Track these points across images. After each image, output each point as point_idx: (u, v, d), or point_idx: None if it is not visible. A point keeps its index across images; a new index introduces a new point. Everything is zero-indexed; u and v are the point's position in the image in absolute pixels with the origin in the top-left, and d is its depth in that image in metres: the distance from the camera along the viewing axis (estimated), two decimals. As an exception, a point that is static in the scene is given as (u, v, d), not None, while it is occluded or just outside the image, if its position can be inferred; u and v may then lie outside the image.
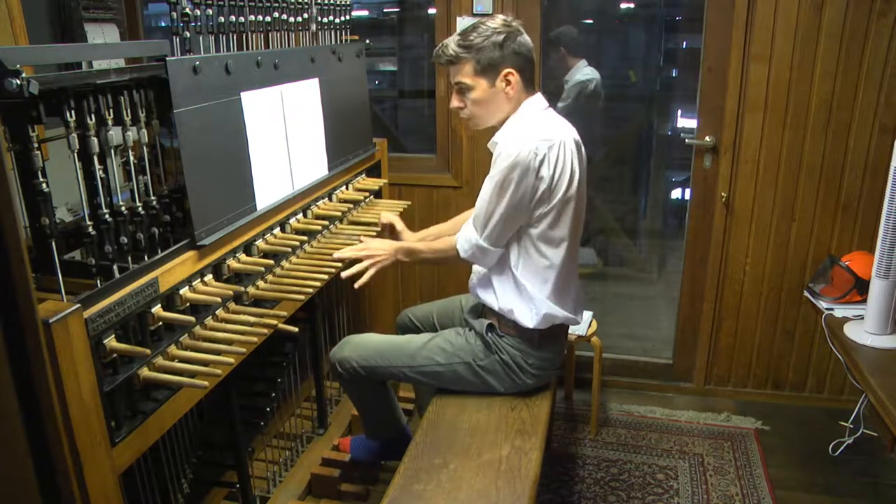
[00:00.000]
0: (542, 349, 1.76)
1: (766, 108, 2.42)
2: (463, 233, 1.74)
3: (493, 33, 1.61)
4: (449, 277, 2.91)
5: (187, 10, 1.38)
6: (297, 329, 1.47)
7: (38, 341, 0.94)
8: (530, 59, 1.68)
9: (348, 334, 2.41)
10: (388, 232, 2.00)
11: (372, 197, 2.22)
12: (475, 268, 1.85)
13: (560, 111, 1.81)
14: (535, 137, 1.60)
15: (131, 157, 1.27)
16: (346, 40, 2.13)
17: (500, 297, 1.75)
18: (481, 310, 1.86)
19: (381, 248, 1.78)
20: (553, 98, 3.01)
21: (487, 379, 1.77)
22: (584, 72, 3.08)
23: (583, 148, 1.73)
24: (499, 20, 1.65)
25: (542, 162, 1.58)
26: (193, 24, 1.41)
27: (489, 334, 1.77)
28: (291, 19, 1.82)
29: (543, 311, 1.70)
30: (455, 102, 1.72)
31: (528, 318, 1.71)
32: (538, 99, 1.71)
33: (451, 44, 1.65)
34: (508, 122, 1.71)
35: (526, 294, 1.71)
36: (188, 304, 1.33)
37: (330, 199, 1.99)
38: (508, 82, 1.65)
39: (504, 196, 1.61)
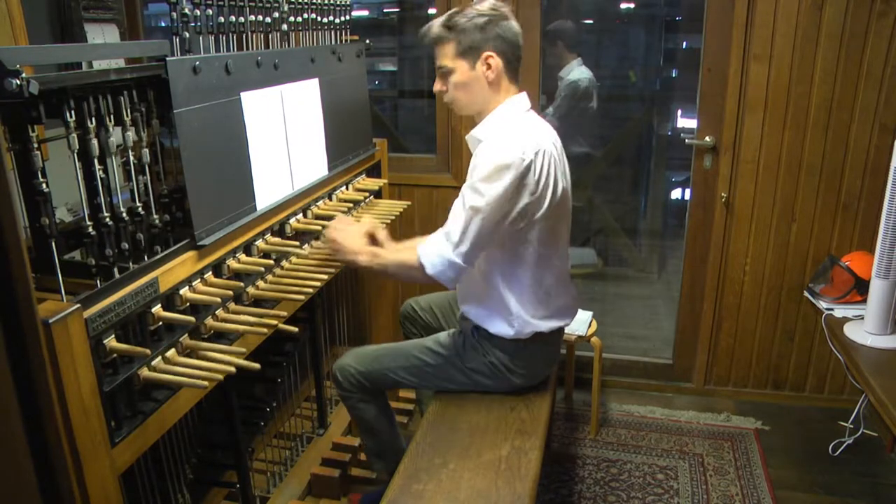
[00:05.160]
0: (529, 354, 1.74)
1: (766, 108, 2.42)
2: (431, 248, 1.58)
3: (478, 15, 1.58)
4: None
5: (186, 10, 1.38)
6: (297, 329, 1.47)
7: (38, 341, 0.94)
8: (516, 46, 1.63)
9: (348, 334, 2.42)
10: (369, 241, 1.86)
11: (372, 197, 2.22)
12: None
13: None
14: (521, 142, 1.55)
15: (131, 158, 1.27)
16: (346, 40, 2.13)
17: (480, 310, 1.73)
18: None
19: (349, 250, 1.68)
20: (552, 98, 3.01)
21: (477, 378, 1.76)
22: (576, 71, 3.07)
23: (563, 152, 1.70)
24: (487, 4, 1.62)
25: (528, 168, 1.53)
26: (193, 24, 1.41)
27: (475, 336, 1.76)
28: (291, 19, 1.82)
29: (527, 328, 1.69)
30: (437, 85, 1.70)
31: (510, 332, 1.70)
32: (522, 98, 1.67)
33: (436, 24, 1.64)
34: (491, 118, 1.66)
35: (507, 310, 1.68)
36: (188, 304, 1.33)
37: (330, 199, 1.99)
38: (489, 66, 1.60)
39: (486, 203, 1.52)
